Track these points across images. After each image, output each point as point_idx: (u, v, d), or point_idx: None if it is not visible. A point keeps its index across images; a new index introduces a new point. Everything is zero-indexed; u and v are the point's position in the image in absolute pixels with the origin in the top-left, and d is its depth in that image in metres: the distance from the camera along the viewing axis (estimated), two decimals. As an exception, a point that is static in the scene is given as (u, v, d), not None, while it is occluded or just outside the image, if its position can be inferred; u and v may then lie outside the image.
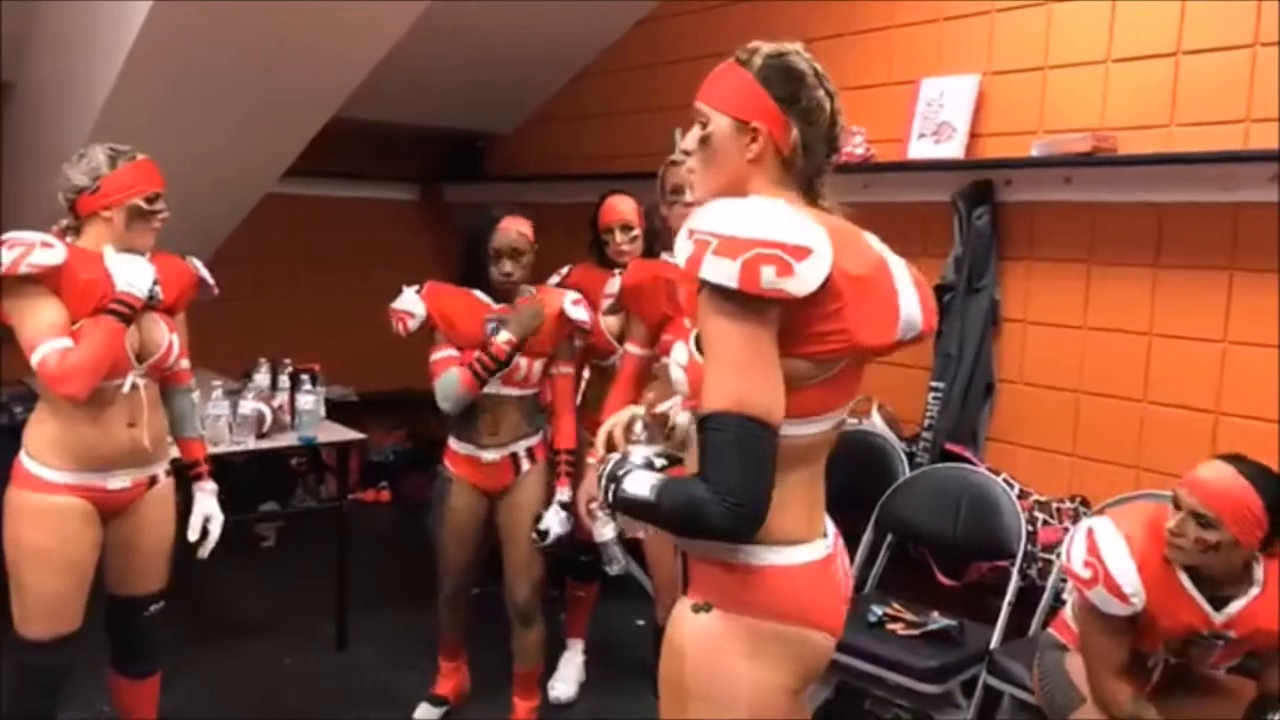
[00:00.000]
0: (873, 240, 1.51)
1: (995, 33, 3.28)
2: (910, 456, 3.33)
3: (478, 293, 2.80)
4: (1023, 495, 3.07)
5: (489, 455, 2.84)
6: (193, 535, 2.55)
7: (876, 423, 3.42)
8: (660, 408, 1.65)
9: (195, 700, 3.10)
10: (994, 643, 2.81)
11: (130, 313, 2.25)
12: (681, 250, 1.35)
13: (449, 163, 5.62)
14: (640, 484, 1.41)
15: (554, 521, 2.82)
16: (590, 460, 1.62)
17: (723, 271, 1.29)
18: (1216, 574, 2.10)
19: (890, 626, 2.87)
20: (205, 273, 2.57)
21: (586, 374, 3.22)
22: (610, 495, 1.45)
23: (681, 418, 1.59)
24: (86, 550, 2.32)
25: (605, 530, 2.25)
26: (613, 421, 1.61)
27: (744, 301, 1.30)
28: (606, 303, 2.88)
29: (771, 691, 1.43)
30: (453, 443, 2.89)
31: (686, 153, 1.50)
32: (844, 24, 3.66)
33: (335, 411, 3.87)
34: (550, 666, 3.25)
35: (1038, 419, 3.21)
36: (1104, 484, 3.00)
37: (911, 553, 3.27)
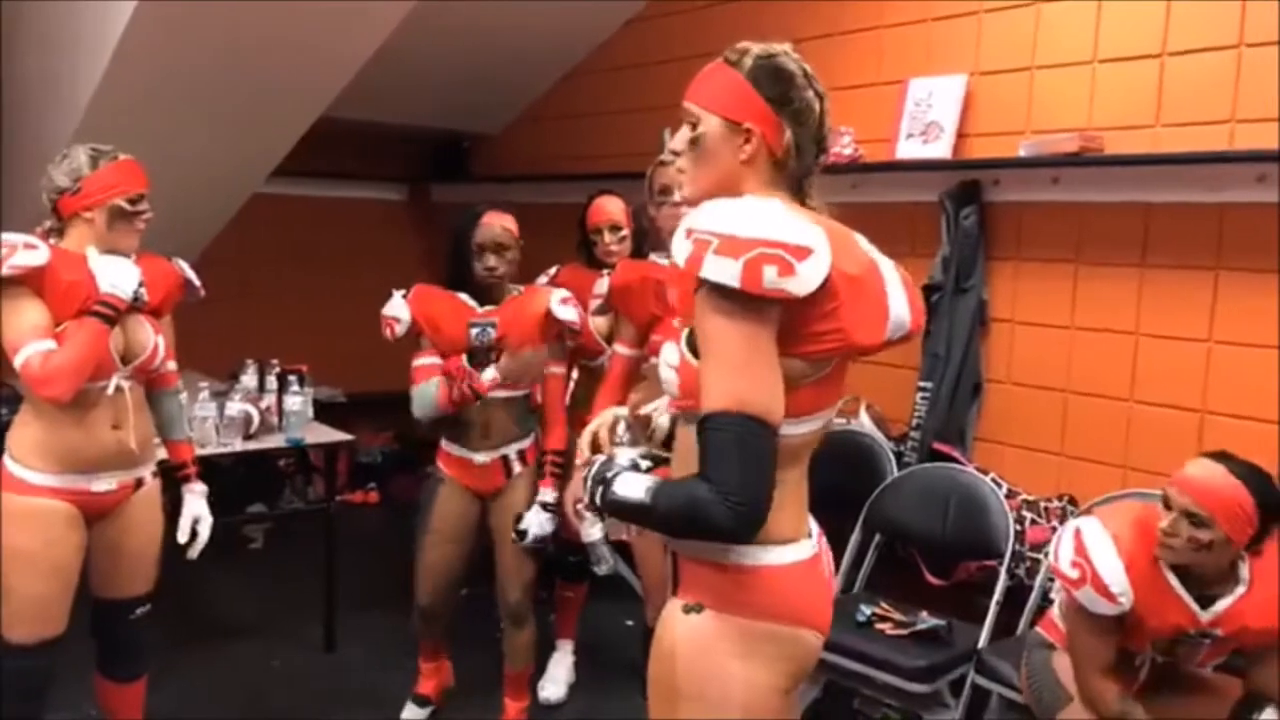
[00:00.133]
0: (861, 240, 1.52)
1: (983, 33, 3.29)
2: (898, 456, 3.33)
3: (463, 296, 2.79)
4: (1010, 495, 3.08)
5: (481, 458, 2.84)
6: (182, 537, 2.54)
7: (864, 422, 3.43)
8: (646, 409, 1.65)
9: (183, 702, 3.08)
10: (982, 642, 2.82)
11: (114, 314, 2.23)
12: (680, 250, 1.34)
13: (437, 163, 5.60)
14: (633, 486, 1.41)
15: (534, 522, 2.79)
16: (577, 462, 1.62)
17: (725, 271, 1.29)
18: (1205, 573, 2.11)
19: (879, 626, 2.87)
20: (191, 274, 2.56)
21: (575, 374, 3.22)
22: (599, 498, 1.44)
23: (662, 420, 1.59)
24: (71, 553, 2.31)
25: (593, 531, 2.25)
26: (597, 423, 1.61)
27: (745, 301, 1.30)
28: (595, 303, 2.87)
29: (764, 692, 1.43)
30: (445, 444, 2.89)
31: (675, 153, 1.49)
32: (832, 24, 3.66)
33: (323, 413, 3.86)
34: (539, 667, 3.24)
35: (1025, 419, 3.22)
36: (1091, 483, 3.01)
37: (900, 552, 3.27)
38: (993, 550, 2.97)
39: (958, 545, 3.06)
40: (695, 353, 1.39)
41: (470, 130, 5.45)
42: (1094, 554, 2.11)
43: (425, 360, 2.77)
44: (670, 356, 1.46)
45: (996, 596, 2.89)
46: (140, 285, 2.30)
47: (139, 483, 2.42)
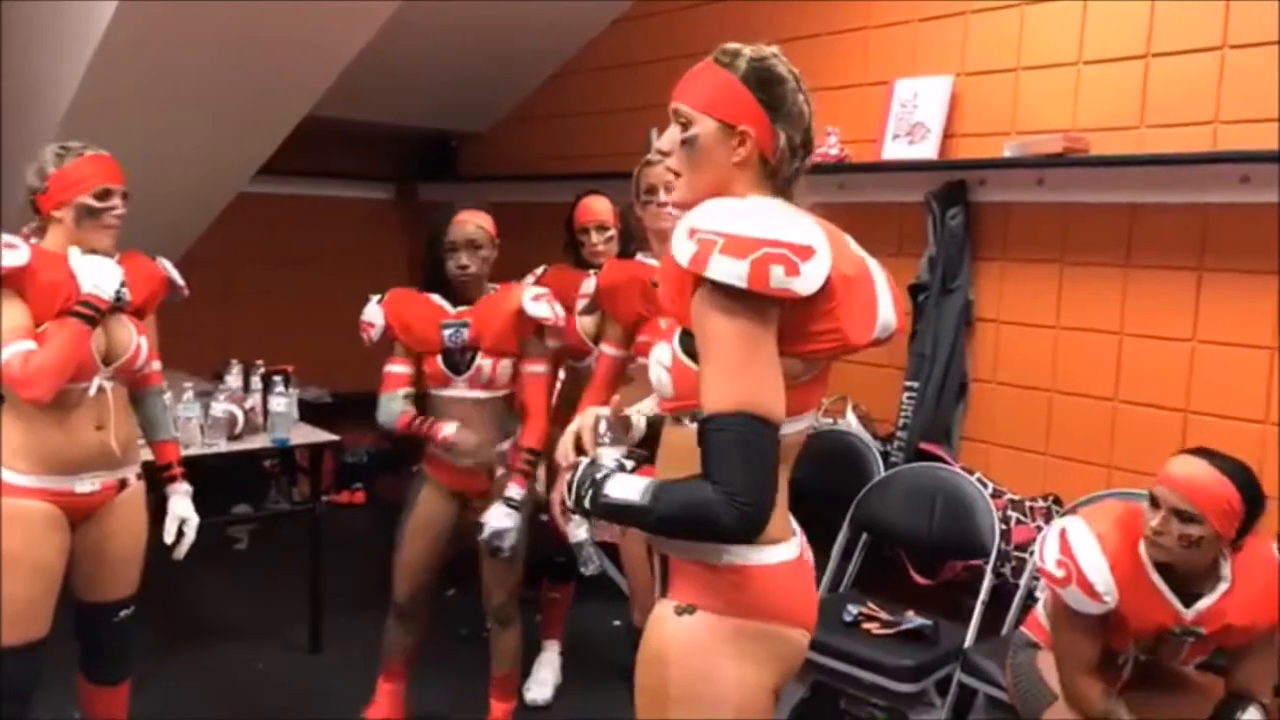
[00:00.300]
0: (850, 241, 1.52)
1: (969, 34, 3.30)
2: (885, 456, 3.34)
3: (436, 297, 2.78)
4: (996, 494, 3.09)
5: (464, 460, 2.81)
6: (168, 538, 2.52)
7: (851, 422, 3.43)
8: (634, 409, 1.64)
9: (167, 704, 3.07)
10: (968, 641, 2.83)
11: (96, 315, 2.21)
12: (683, 249, 1.33)
13: (423, 162, 5.58)
14: (627, 488, 1.40)
15: (494, 516, 2.71)
16: (561, 462, 1.60)
17: (731, 270, 1.29)
18: (1192, 570, 2.12)
19: (865, 626, 2.88)
20: (175, 274, 2.54)
21: (561, 374, 3.21)
22: (589, 500, 1.43)
23: (639, 420, 1.58)
24: (54, 555, 2.29)
25: (579, 531, 2.24)
26: (579, 423, 1.60)
27: (748, 300, 1.30)
28: (582, 303, 2.85)
29: (755, 692, 1.43)
30: (431, 445, 2.86)
31: (663, 153, 1.48)
32: (819, 24, 3.67)
33: (309, 413, 3.84)
34: (525, 668, 3.22)
35: (1011, 418, 3.23)
36: (1076, 483, 3.03)
37: (886, 552, 3.28)
38: (979, 550, 2.98)
39: (944, 545, 3.07)
40: (689, 353, 1.38)
41: (457, 129, 5.43)
42: (1079, 553, 2.12)
43: (395, 368, 2.77)
44: (662, 357, 1.45)
45: (982, 596, 2.89)
46: (122, 285, 2.28)
47: (122, 484, 2.40)
